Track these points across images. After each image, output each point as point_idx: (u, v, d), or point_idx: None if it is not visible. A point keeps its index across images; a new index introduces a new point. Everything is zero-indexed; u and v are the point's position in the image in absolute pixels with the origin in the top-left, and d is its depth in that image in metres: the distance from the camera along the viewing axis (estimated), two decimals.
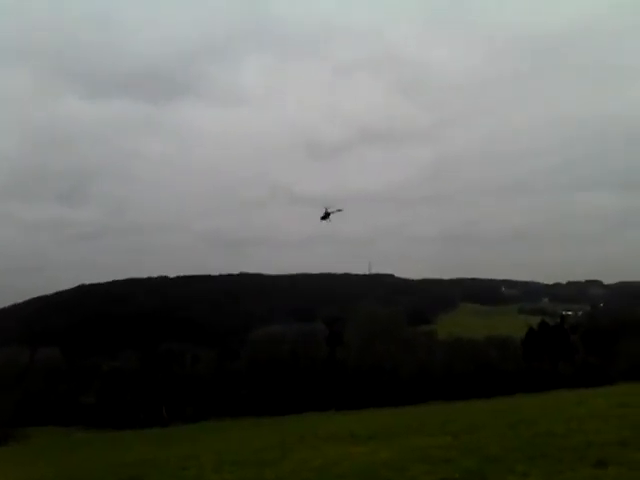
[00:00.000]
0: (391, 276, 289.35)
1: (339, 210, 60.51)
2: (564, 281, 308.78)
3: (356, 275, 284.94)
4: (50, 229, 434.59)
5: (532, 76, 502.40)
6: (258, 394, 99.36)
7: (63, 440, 73.60)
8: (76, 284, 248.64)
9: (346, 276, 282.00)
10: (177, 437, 58.86)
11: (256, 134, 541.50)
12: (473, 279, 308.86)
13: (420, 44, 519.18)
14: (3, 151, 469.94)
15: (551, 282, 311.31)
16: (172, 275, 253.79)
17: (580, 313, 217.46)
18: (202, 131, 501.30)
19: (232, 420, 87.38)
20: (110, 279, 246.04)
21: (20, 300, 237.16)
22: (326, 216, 60.41)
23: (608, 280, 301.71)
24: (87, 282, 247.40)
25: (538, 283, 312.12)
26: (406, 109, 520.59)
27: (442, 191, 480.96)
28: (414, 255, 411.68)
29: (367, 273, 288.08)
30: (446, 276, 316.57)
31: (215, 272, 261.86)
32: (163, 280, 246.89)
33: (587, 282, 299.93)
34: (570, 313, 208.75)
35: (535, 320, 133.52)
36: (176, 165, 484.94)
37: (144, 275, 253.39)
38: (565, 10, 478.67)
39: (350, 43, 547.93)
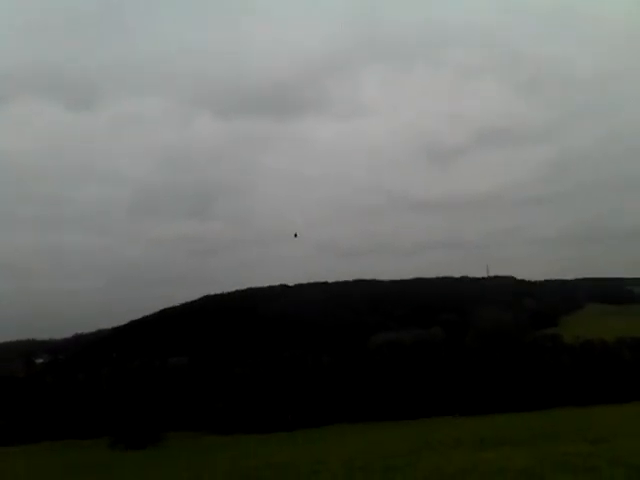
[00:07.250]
0: (511, 278, 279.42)
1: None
2: None
3: (474, 278, 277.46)
4: (179, 244, 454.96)
5: None
6: (378, 399, 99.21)
7: (195, 444, 76.54)
8: (201, 295, 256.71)
9: (464, 280, 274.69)
10: (304, 441, 59.68)
11: (374, 144, 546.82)
12: (597, 278, 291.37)
13: (536, 41, 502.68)
14: (138, 172, 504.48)
15: None
16: (291, 284, 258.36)
17: None
18: (322, 144, 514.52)
19: (354, 425, 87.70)
20: (233, 289, 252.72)
21: (150, 312, 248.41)
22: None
23: None
24: (212, 292, 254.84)
25: None
26: (524, 108, 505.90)
27: (559, 191, 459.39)
28: (533, 257, 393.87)
29: (486, 276, 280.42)
30: (568, 276, 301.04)
31: (331, 279, 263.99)
32: (283, 288, 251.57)
33: None
34: None
35: None
36: (296, 177, 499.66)
37: (265, 284, 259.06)
38: None
39: (466, 46, 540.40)
